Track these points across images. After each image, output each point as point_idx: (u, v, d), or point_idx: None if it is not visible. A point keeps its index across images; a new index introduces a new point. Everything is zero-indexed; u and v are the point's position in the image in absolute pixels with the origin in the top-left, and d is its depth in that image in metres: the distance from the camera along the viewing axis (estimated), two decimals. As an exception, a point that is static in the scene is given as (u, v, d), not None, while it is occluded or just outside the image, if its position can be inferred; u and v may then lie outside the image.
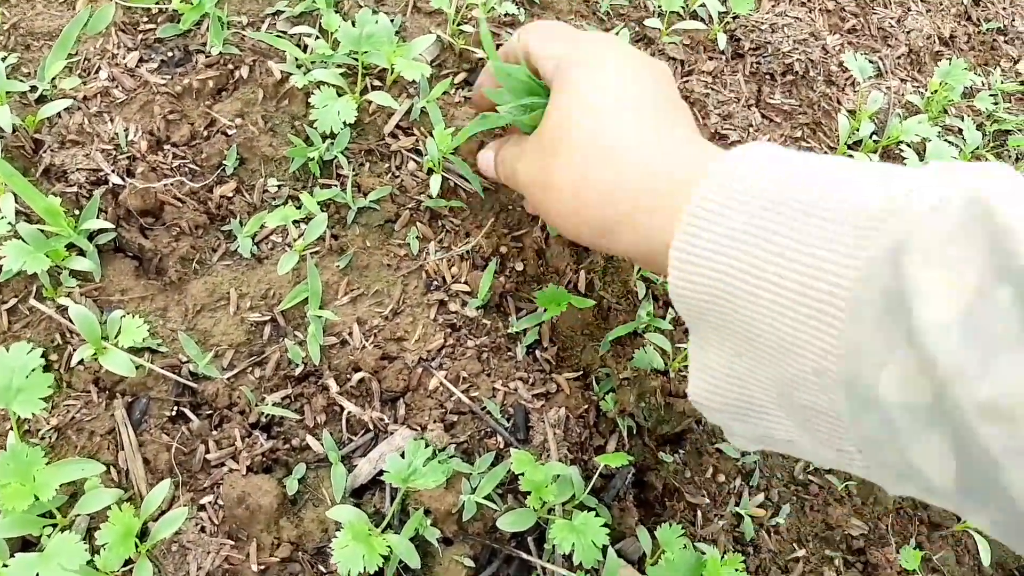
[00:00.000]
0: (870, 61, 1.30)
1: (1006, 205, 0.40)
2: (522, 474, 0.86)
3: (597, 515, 0.87)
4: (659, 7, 1.25)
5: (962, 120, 1.26)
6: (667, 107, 0.68)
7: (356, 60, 1.00)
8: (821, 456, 0.52)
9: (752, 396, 0.53)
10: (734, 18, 1.28)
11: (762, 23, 1.27)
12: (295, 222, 0.99)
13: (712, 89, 1.21)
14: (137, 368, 0.90)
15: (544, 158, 0.70)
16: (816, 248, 0.47)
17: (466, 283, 1.03)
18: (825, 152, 1.22)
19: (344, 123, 0.96)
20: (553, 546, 0.88)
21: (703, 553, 0.92)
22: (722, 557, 0.93)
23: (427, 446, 0.84)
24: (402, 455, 0.83)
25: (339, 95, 0.97)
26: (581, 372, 1.03)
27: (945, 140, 1.23)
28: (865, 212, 0.45)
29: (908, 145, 1.16)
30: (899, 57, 1.34)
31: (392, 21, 1.11)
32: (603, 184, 0.63)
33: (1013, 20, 1.51)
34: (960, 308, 0.39)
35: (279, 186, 1.01)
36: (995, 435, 0.37)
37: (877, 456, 0.45)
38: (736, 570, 0.91)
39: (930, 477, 0.42)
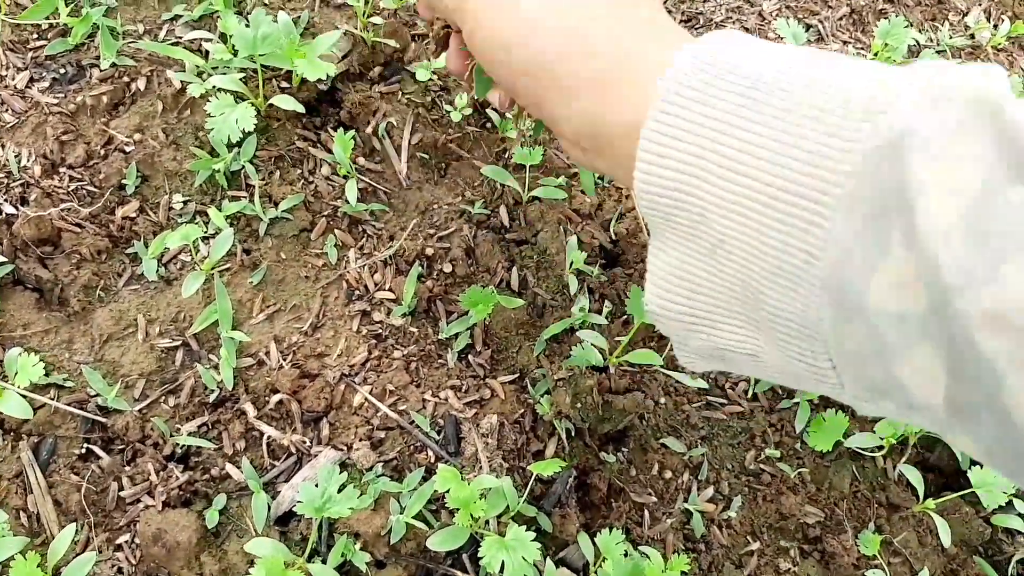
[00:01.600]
0: (809, 25, 1.24)
1: (1012, 102, 0.37)
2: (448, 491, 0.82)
3: (531, 527, 0.83)
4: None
5: (906, 81, 1.21)
6: None
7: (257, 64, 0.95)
8: (788, 372, 0.47)
9: (714, 305, 0.48)
10: (666, -11, 1.23)
11: (692, -7, 1.22)
12: (204, 238, 0.94)
13: (643, 66, 1.16)
14: (40, 407, 0.86)
15: None
16: (807, 140, 0.42)
17: (390, 290, 0.98)
18: (765, 124, 1.17)
19: (243, 131, 0.91)
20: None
21: (648, 557, 0.89)
22: (667, 560, 0.89)
23: (342, 471, 0.80)
24: (316, 484, 0.79)
25: (238, 102, 0.92)
26: (518, 374, 0.99)
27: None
28: (862, 103, 0.41)
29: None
30: (840, 19, 1.29)
31: (299, 18, 1.06)
32: (594, 29, 0.54)
33: (962, -30, 1.45)
34: (967, 208, 0.35)
35: (185, 202, 0.96)
36: (999, 346, 0.34)
37: (855, 371, 0.42)
38: (682, 573, 0.87)
39: (914, 393, 0.39)
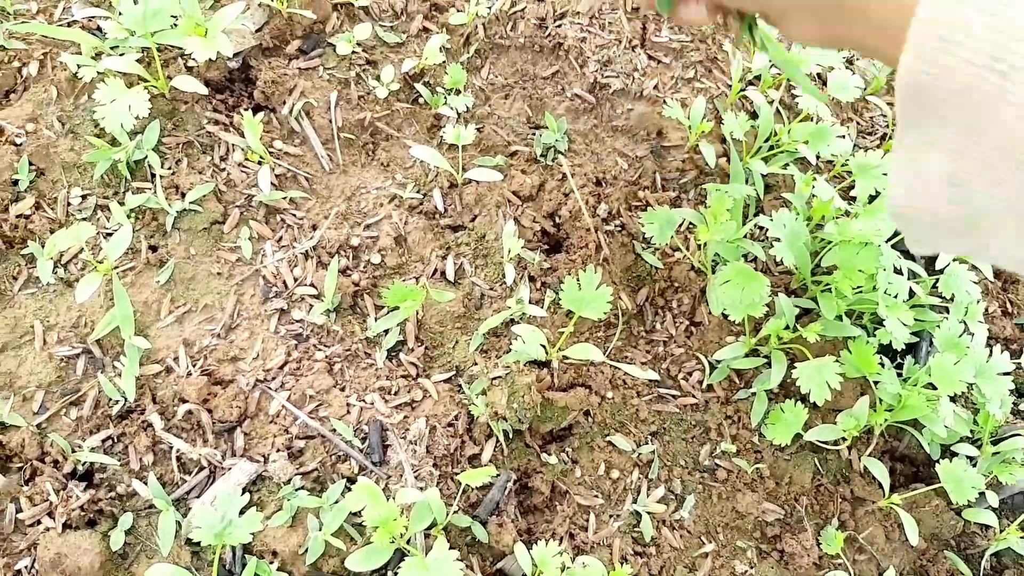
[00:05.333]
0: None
1: None
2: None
3: (465, 538, 0.77)
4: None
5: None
6: None
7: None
8: None
9: (976, 202, 0.44)
10: (618, -55, 1.13)
11: (644, -51, 1.12)
12: (107, 235, 0.87)
13: (588, 32, 1.07)
14: (-74, 426, 0.79)
15: None
16: None
17: (312, 285, 0.91)
18: (722, 92, 1.09)
19: (137, 117, 0.83)
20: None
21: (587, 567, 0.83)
22: (612, 570, 0.83)
23: (243, 493, 0.74)
24: (214, 506, 0.73)
25: (130, 86, 0.84)
26: (453, 372, 0.92)
27: (849, 69, 1.09)
28: None
29: (815, 77, 1.03)
30: (807, -28, 1.19)
31: (207, -10, 0.97)
32: None
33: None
34: None
35: (84, 196, 0.89)
36: None
37: None
38: (625, 585, 0.82)
39: None
